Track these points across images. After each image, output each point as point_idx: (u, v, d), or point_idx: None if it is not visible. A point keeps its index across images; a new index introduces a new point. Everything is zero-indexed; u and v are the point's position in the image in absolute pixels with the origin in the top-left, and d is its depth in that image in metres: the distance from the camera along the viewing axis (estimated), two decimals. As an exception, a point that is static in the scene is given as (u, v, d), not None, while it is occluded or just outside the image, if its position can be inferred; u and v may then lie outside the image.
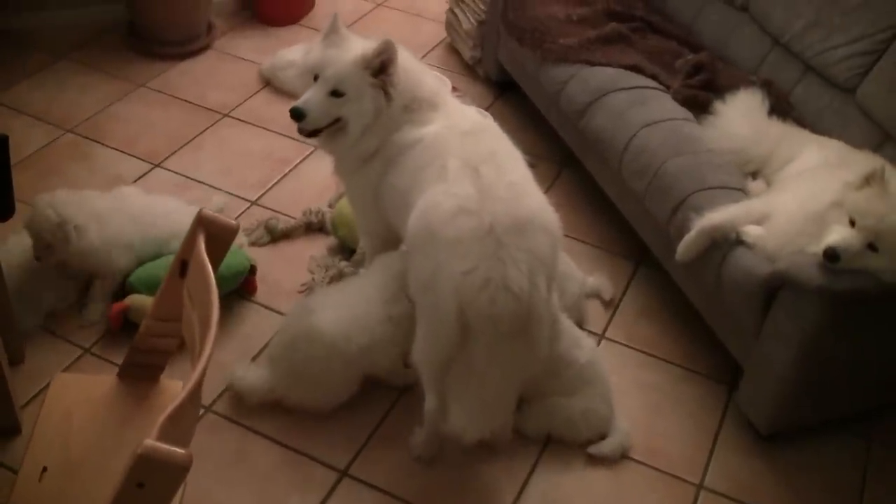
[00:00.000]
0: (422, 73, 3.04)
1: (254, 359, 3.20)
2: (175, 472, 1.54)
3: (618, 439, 3.06)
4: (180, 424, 1.67)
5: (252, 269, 3.43)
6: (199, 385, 1.71)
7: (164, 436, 1.55)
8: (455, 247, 2.57)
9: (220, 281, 3.12)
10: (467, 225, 2.57)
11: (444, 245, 2.59)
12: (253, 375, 3.06)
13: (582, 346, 3.11)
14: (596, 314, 3.55)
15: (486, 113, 4.18)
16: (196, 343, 1.87)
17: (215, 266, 1.95)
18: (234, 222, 2.04)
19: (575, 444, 3.05)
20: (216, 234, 2.02)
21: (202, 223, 2.01)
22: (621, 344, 3.45)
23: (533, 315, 2.59)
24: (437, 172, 2.73)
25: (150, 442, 1.52)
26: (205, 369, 1.71)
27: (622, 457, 3.06)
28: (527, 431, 3.07)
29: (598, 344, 3.42)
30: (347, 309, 3.01)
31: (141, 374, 2.32)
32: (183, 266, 2.08)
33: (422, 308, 2.72)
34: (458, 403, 2.71)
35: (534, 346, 2.67)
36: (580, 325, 3.37)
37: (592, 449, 3.04)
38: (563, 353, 3.03)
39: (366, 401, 3.12)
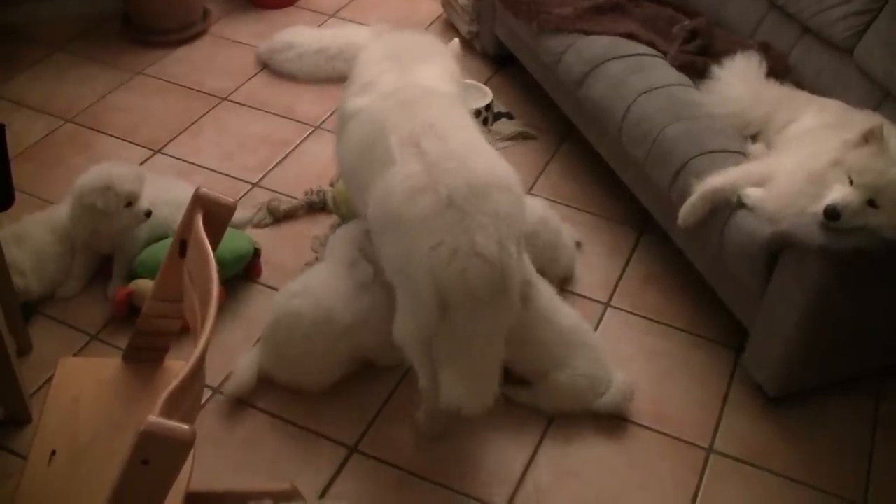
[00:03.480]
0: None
1: (258, 341, 3.21)
2: (179, 448, 1.55)
3: (618, 390, 3.06)
4: (183, 401, 1.67)
5: (256, 253, 3.43)
6: (201, 361, 1.72)
7: (166, 412, 1.57)
8: (419, 226, 2.56)
9: (225, 265, 3.20)
10: (425, 202, 2.56)
11: (408, 227, 2.58)
12: (244, 360, 3.08)
13: (561, 310, 3.11)
14: (601, 283, 3.56)
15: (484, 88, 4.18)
16: (198, 321, 1.88)
17: (214, 244, 1.96)
18: (231, 200, 2.04)
19: (589, 413, 3.06)
20: (214, 212, 2.02)
21: (199, 202, 2.01)
22: (627, 312, 3.45)
23: (507, 276, 2.58)
24: (383, 155, 2.72)
25: (153, 418, 1.53)
26: (207, 345, 1.72)
27: (627, 404, 3.07)
28: (543, 410, 3.08)
29: (604, 312, 3.43)
30: (325, 290, 3.03)
31: (146, 356, 2.33)
32: (182, 246, 2.09)
33: (399, 291, 2.71)
34: (448, 377, 2.68)
35: (512, 306, 2.67)
36: (565, 287, 3.45)
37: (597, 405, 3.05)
38: (543, 314, 3.03)
39: (373, 377, 3.13)
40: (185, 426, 1.54)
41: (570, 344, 3.06)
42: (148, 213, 3.28)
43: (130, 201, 3.24)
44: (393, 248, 2.68)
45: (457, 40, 3.33)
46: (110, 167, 3.29)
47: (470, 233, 2.52)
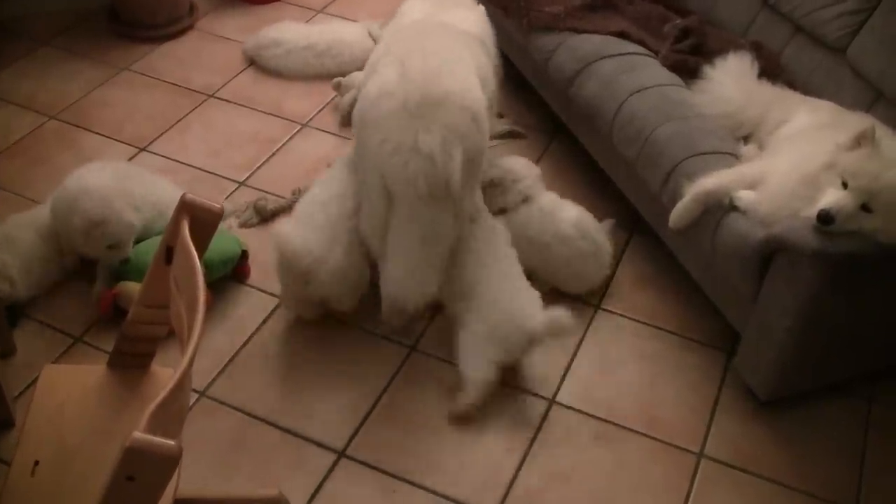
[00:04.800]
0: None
1: (246, 343, 3.19)
2: (165, 465, 1.52)
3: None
4: (169, 414, 1.64)
5: (244, 254, 3.40)
6: (187, 373, 1.69)
7: (152, 427, 1.53)
8: (374, 124, 2.94)
9: (212, 267, 3.16)
10: (386, 105, 2.91)
11: (368, 125, 2.97)
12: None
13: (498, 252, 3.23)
14: (591, 286, 3.53)
15: None
16: (184, 330, 1.85)
17: (201, 251, 1.93)
18: (218, 206, 2.00)
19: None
20: (201, 219, 1.99)
21: (185, 208, 1.98)
22: (618, 314, 3.42)
23: (448, 179, 2.87)
24: (372, 69, 3.13)
25: (139, 434, 1.49)
26: (193, 356, 1.69)
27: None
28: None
29: (594, 315, 3.41)
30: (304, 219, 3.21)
31: (131, 362, 2.29)
32: (168, 252, 2.05)
33: (360, 184, 3.13)
34: (388, 267, 3.03)
35: (450, 210, 2.96)
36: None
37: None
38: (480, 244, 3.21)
39: (362, 379, 3.11)
40: (171, 442, 1.51)
41: (481, 286, 3.12)
42: (125, 261, 3.21)
43: (114, 245, 3.19)
44: (358, 144, 3.10)
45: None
46: (103, 203, 3.16)
47: (414, 133, 2.86)
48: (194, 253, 1.87)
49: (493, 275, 3.14)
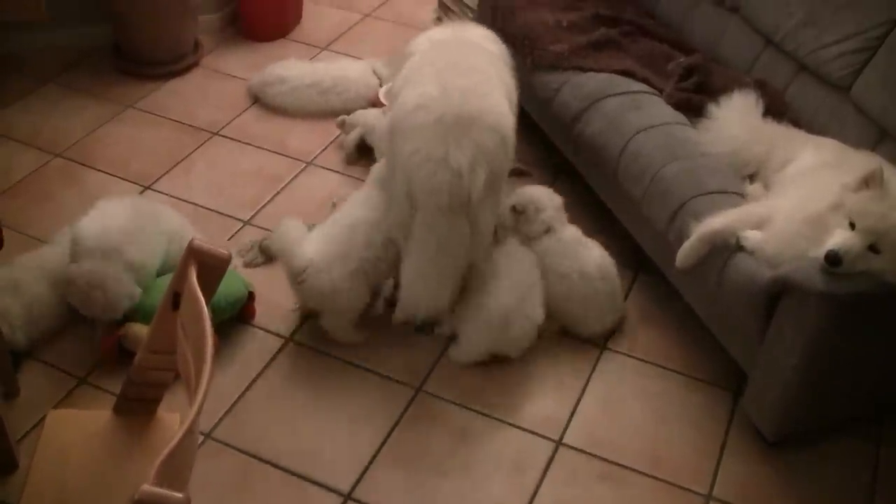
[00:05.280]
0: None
1: (251, 384, 3.17)
2: (173, 518, 1.51)
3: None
4: (178, 464, 1.63)
5: (251, 296, 3.38)
6: (195, 423, 1.67)
7: (161, 479, 1.52)
8: (409, 133, 3.06)
9: (218, 310, 3.14)
10: (421, 117, 3.04)
11: (402, 133, 3.09)
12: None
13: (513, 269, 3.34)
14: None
15: None
16: (192, 377, 1.83)
17: (208, 297, 1.92)
18: (226, 252, 1.99)
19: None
20: (208, 265, 1.98)
21: (193, 254, 1.97)
22: (623, 353, 3.41)
23: (470, 194, 3.01)
24: (414, 77, 3.22)
25: (147, 488, 1.48)
26: (201, 406, 1.68)
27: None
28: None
29: (600, 354, 3.39)
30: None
31: (137, 407, 2.28)
32: (176, 298, 2.04)
33: (388, 189, 3.24)
34: (406, 271, 3.17)
35: (468, 226, 3.09)
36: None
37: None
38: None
39: (368, 420, 3.09)
40: (180, 495, 1.49)
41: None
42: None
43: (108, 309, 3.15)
44: (389, 151, 3.24)
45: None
46: (104, 265, 3.13)
47: (445, 146, 2.99)
48: (202, 300, 1.86)
49: (506, 277, 3.30)
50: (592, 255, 3.43)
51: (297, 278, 3.22)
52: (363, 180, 3.66)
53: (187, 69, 4.79)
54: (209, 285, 1.97)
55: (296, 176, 4.13)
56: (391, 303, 3.43)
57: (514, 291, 3.25)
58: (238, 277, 3.37)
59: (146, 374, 2.23)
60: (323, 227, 3.34)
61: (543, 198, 3.52)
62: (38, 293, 3.20)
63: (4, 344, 2.93)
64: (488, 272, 3.30)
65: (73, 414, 2.55)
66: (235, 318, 3.36)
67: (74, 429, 2.25)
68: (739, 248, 2.97)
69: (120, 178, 4.03)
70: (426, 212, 3.05)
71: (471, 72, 3.22)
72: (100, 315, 3.13)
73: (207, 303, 1.87)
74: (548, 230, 3.45)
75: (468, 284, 3.31)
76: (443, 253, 3.10)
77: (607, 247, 3.57)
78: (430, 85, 3.11)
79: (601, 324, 3.42)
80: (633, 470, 3.03)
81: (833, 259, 2.70)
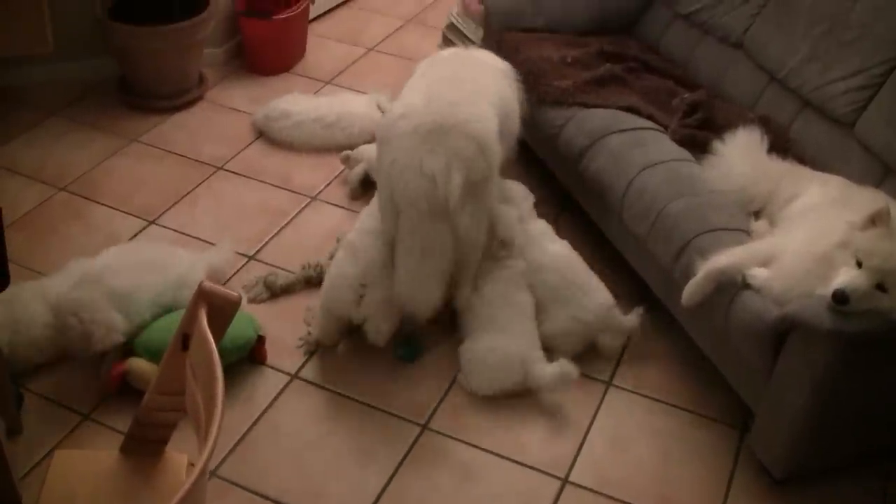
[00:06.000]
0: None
1: (256, 422, 3.16)
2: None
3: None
4: (188, 511, 1.62)
5: (260, 339, 3.36)
6: (205, 469, 1.66)
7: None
8: (388, 143, 3.21)
9: (224, 353, 3.11)
10: (402, 127, 3.16)
11: (385, 143, 3.24)
12: None
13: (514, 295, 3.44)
14: (601, 361, 3.50)
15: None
16: (201, 418, 1.82)
17: (218, 338, 1.91)
18: (236, 294, 1.99)
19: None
20: (218, 307, 1.97)
21: (203, 296, 1.96)
22: (628, 391, 3.40)
23: (449, 201, 3.09)
24: (402, 92, 3.40)
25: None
26: (212, 451, 1.67)
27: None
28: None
29: (606, 391, 3.38)
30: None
31: (145, 448, 2.27)
32: (185, 339, 2.03)
33: (378, 198, 3.39)
34: (397, 272, 3.25)
35: (449, 231, 3.17)
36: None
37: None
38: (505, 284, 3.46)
39: (373, 458, 3.08)
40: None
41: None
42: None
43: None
44: (377, 162, 3.36)
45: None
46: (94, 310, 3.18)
47: (420, 156, 3.10)
48: (212, 342, 1.85)
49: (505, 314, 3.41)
50: (551, 248, 3.58)
51: (360, 291, 3.30)
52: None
53: (192, 103, 4.81)
54: (219, 327, 1.97)
55: (300, 211, 4.13)
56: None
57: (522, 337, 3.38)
58: (248, 320, 3.35)
59: (154, 415, 2.21)
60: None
61: (516, 191, 3.78)
62: (37, 335, 3.21)
63: (8, 382, 2.92)
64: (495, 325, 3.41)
65: (79, 454, 2.53)
66: (246, 359, 3.34)
67: (81, 469, 2.24)
68: (746, 285, 2.97)
69: (125, 212, 4.04)
70: (408, 218, 3.17)
71: (461, 83, 3.36)
72: (77, 344, 3.15)
73: (217, 344, 1.87)
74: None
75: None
76: (428, 256, 3.21)
77: (612, 283, 3.57)
78: (418, 96, 3.27)
79: (562, 329, 3.46)
80: (640, 509, 3.02)
81: (840, 298, 2.70)
